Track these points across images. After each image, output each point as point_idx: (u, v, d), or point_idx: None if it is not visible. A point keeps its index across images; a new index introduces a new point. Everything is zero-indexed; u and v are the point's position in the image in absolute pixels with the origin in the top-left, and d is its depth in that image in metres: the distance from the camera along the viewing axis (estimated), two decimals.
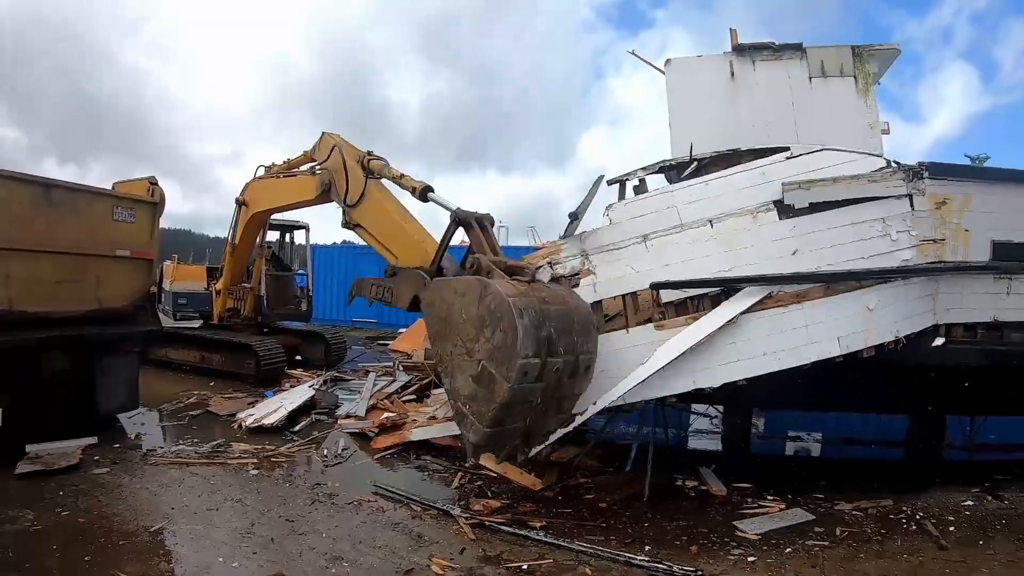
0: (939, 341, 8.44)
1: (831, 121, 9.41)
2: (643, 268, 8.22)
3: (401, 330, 19.67)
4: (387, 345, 18.19)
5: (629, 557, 6.52)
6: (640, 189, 9.14)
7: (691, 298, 8.19)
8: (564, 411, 7.70)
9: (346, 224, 9.74)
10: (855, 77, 9.67)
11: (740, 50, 9.83)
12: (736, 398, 10.49)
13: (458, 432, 7.62)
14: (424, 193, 8.60)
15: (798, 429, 12.82)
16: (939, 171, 8.27)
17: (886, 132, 12.41)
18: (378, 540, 6.70)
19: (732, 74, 9.78)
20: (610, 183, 9.44)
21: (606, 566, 6.40)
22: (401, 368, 13.74)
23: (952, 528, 8.02)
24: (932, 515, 8.41)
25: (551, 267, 8.47)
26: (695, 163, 9.28)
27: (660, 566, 6.34)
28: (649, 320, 8.19)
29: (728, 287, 8.10)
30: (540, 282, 7.60)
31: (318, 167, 10.81)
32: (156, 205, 10.58)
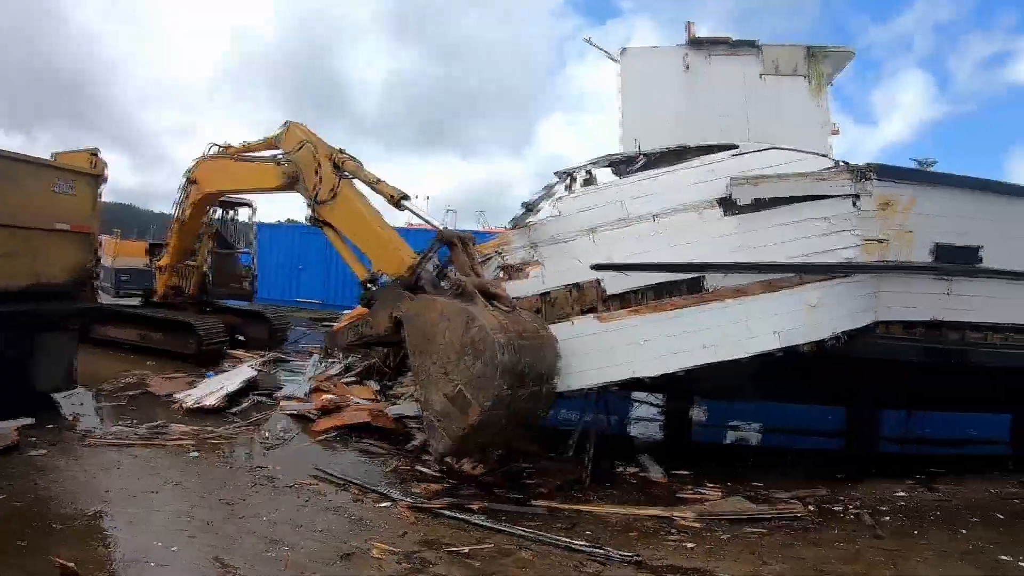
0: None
1: (782, 118, 9.60)
2: (589, 261, 8.38)
3: (345, 311, 19.47)
4: (331, 327, 17.90)
5: (569, 542, 6.60)
6: (589, 182, 9.19)
7: (633, 291, 8.33)
8: (527, 429, 8.26)
9: (314, 220, 9.62)
10: (808, 76, 9.87)
11: (696, 43, 10.00)
12: (677, 387, 10.73)
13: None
14: (400, 202, 8.65)
15: (740, 419, 13.17)
16: (886, 173, 8.48)
17: (836, 133, 12.67)
18: (318, 524, 6.66)
19: (686, 67, 9.94)
20: (558, 175, 9.46)
21: (546, 551, 6.45)
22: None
23: (887, 518, 8.25)
24: (868, 505, 8.64)
25: (501, 257, 8.50)
26: (644, 158, 9.35)
27: (599, 551, 6.44)
28: (592, 311, 8.28)
29: (671, 272, 8.28)
30: (518, 311, 7.77)
31: (284, 158, 10.39)
32: (98, 177, 10.21)
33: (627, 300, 8.38)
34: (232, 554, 5.76)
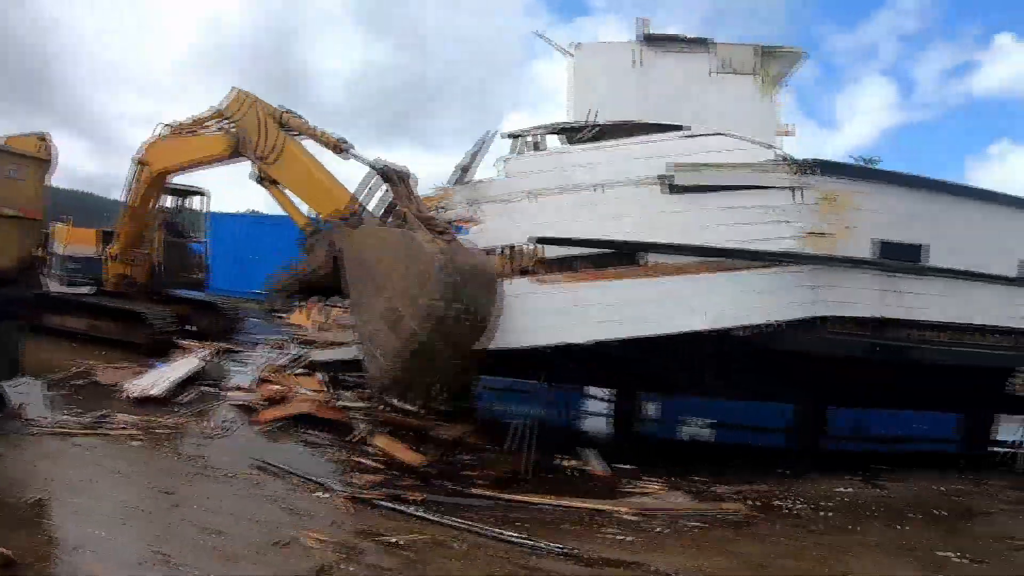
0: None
1: (730, 115, 9.91)
2: (528, 223, 8.69)
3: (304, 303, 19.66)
4: (284, 318, 18.09)
5: (500, 533, 6.82)
6: (537, 147, 9.48)
7: (571, 258, 8.70)
8: (466, 360, 8.24)
9: (259, 180, 10.07)
10: (758, 75, 10.28)
11: (648, 39, 10.34)
12: (627, 379, 11.02)
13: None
14: (339, 147, 9.11)
15: (693, 415, 13.48)
16: (829, 168, 8.81)
17: (790, 133, 13.04)
18: (255, 513, 6.89)
19: (638, 62, 10.27)
20: (506, 137, 9.75)
21: (479, 542, 6.68)
22: (295, 342, 13.79)
23: (829, 514, 8.50)
24: (810, 501, 8.88)
25: (440, 211, 8.75)
26: (594, 128, 9.67)
27: (529, 542, 6.66)
28: (526, 272, 8.65)
29: (609, 248, 8.62)
30: (456, 239, 8.14)
31: (229, 124, 10.81)
32: (45, 163, 10.31)
33: (564, 266, 8.70)
34: (168, 543, 5.95)
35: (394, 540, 6.49)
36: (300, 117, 9.90)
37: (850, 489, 9.52)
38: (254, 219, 22.92)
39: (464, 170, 9.35)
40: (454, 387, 8.66)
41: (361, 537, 6.57)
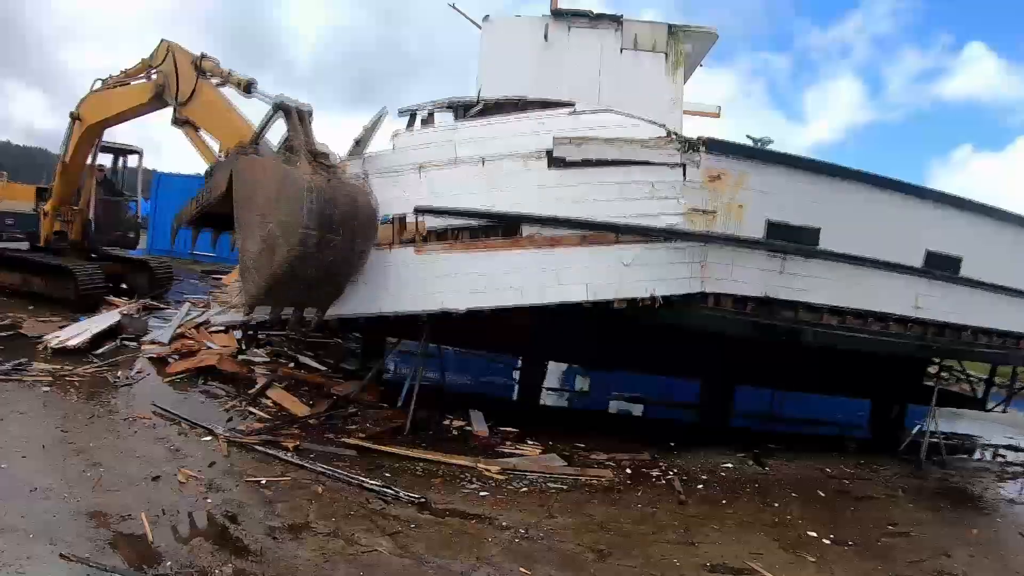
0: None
1: (636, 92, 10.62)
2: (414, 195, 9.64)
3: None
4: (220, 279, 19.39)
5: (362, 480, 7.96)
6: (426, 122, 10.57)
7: (452, 229, 9.62)
8: (338, 288, 9.38)
9: (175, 122, 11.52)
10: (666, 54, 10.97)
11: (557, 15, 11.08)
12: (528, 347, 12.16)
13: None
14: (248, 87, 10.35)
15: (618, 389, 14.65)
16: (716, 147, 9.45)
17: (717, 115, 14.06)
18: (140, 451, 8.09)
19: (546, 37, 11.04)
20: (401, 113, 10.85)
21: (339, 487, 7.80)
22: (215, 300, 15.08)
23: (700, 486, 9.42)
24: (687, 473, 9.80)
25: None
26: (481, 104, 10.70)
27: (388, 490, 7.77)
28: (411, 242, 9.62)
29: (486, 219, 9.55)
30: (340, 176, 9.18)
31: (154, 72, 12.30)
32: None
33: (445, 237, 9.59)
34: (53, 474, 7.09)
35: (259, 480, 7.64)
36: (215, 61, 11.19)
37: (732, 464, 10.42)
38: (198, 181, 23.95)
39: (358, 143, 10.33)
40: (324, 306, 9.67)
41: (229, 476, 7.70)
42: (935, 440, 12.23)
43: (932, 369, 14.00)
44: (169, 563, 5.61)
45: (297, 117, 9.44)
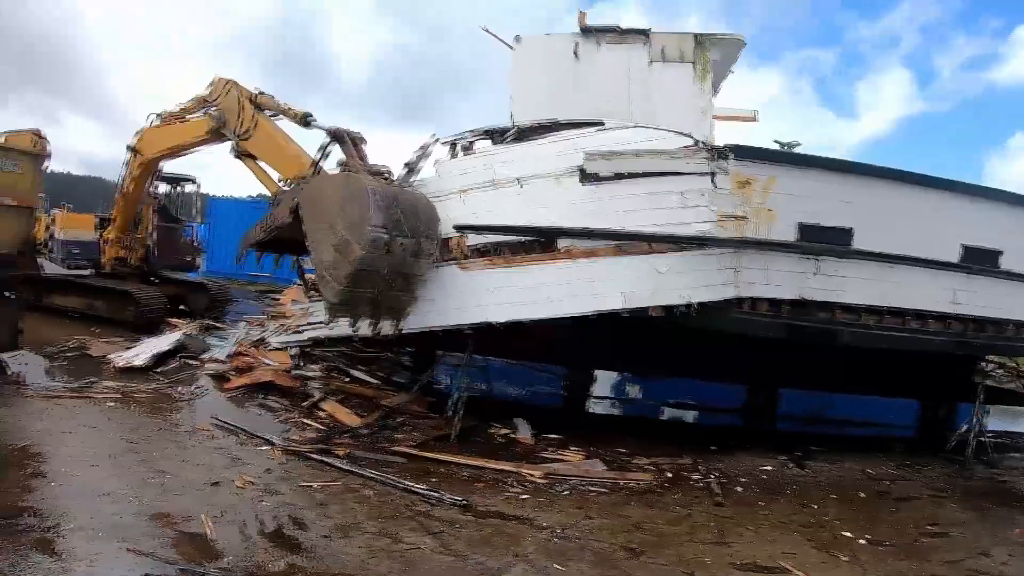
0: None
1: (665, 104, 10.81)
2: (457, 216, 10.20)
3: (294, 284, 21.60)
4: (275, 299, 20.16)
5: (409, 485, 8.36)
6: (467, 149, 11.06)
7: (494, 246, 10.14)
8: (410, 291, 9.95)
9: (236, 154, 12.24)
10: (694, 64, 11.06)
11: (586, 31, 11.33)
12: (576, 357, 12.43)
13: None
14: (306, 120, 11.17)
15: (670, 397, 14.71)
16: (744, 153, 9.62)
17: (753, 119, 14.21)
18: (201, 460, 8.65)
19: (576, 54, 11.34)
20: (443, 143, 11.36)
21: (387, 491, 8.23)
22: (272, 319, 15.75)
23: (739, 489, 9.55)
24: (726, 476, 9.92)
25: None
26: (517, 129, 11.05)
27: (433, 494, 8.17)
28: (455, 260, 10.19)
29: (522, 234, 10.02)
30: (398, 184, 9.99)
31: (211, 107, 13.05)
32: (40, 156, 12.34)
33: (487, 254, 10.12)
34: (122, 480, 7.68)
35: (312, 485, 8.11)
36: (271, 96, 12.00)
37: (772, 467, 10.49)
38: (251, 203, 24.90)
39: (410, 169, 10.85)
40: (399, 312, 10.16)
41: (285, 481, 8.22)
42: (982, 439, 12.06)
43: (985, 367, 13.71)
44: (228, 559, 6.05)
45: (351, 142, 10.23)
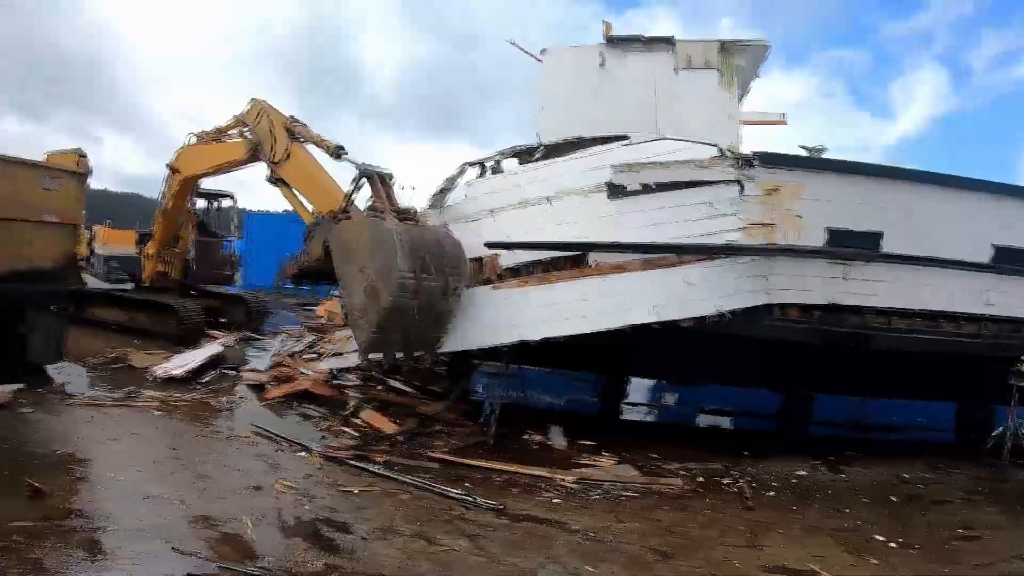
0: None
1: (692, 111, 11.04)
2: (489, 237, 10.39)
3: (332, 295, 21.99)
4: (313, 311, 20.53)
5: (444, 489, 8.53)
6: (495, 170, 11.22)
7: (525, 265, 10.33)
8: (440, 326, 10.18)
9: (271, 180, 12.60)
10: (720, 70, 11.33)
11: (611, 42, 11.63)
12: (609, 364, 12.47)
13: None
14: (338, 153, 11.46)
15: (704, 402, 14.67)
16: (770, 160, 9.67)
17: (783, 123, 14.24)
18: (241, 466, 8.87)
19: (603, 64, 11.61)
20: (471, 165, 11.55)
21: (423, 495, 8.40)
22: (308, 331, 16.06)
23: (771, 493, 9.57)
24: (758, 481, 9.95)
25: None
26: (543, 148, 11.26)
27: (468, 498, 8.32)
28: (488, 280, 10.37)
29: (553, 250, 10.17)
30: (425, 224, 10.19)
31: (247, 131, 13.39)
32: (82, 175, 12.71)
33: (519, 273, 10.30)
34: (165, 484, 7.89)
35: (349, 489, 8.30)
36: (304, 125, 12.25)
37: (805, 472, 10.47)
38: (286, 218, 25.36)
39: (442, 191, 11.20)
40: (431, 345, 10.41)
41: (322, 486, 8.37)
42: (1019, 442, 11.91)
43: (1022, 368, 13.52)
44: (268, 559, 6.22)
45: (380, 181, 10.50)
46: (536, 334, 10.06)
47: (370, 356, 10.21)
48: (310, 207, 11.94)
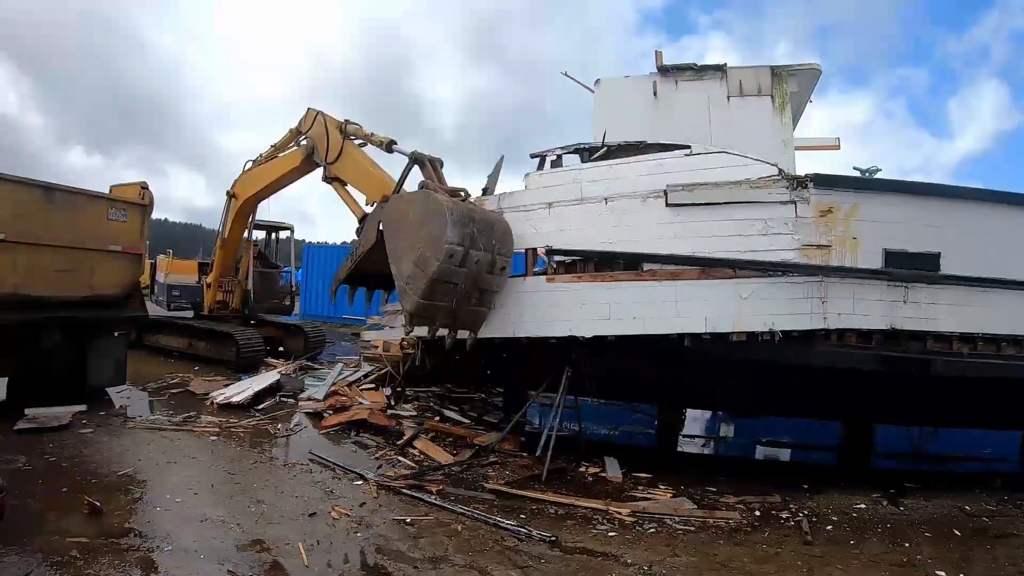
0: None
1: (746, 137, 10.72)
2: (544, 230, 10.31)
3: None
4: (369, 342, 20.44)
5: (498, 520, 8.31)
6: (556, 164, 11.11)
7: (579, 260, 10.26)
8: (484, 304, 10.08)
9: (326, 179, 12.72)
10: (772, 96, 11.11)
11: (664, 71, 11.49)
12: (666, 396, 12.16)
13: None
14: (390, 146, 11.65)
15: (761, 435, 14.26)
16: (824, 182, 9.46)
17: (836, 147, 13.91)
18: (297, 492, 8.80)
19: (655, 93, 11.47)
20: (532, 156, 11.46)
21: (477, 526, 8.19)
22: (364, 360, 15.97)
23: (830, 527, 9.13)
24: (816, 515, 9.56)
25: None
26: (606, 148, 11.10)
27: (522, 529, 8.09)
28: (543, 272, 10.35)
29: (611, 260, 10.02)
30: (474, 203, 10.19)
31: (302, 138, 13.69)
32: (146, 207, 12.89)
33: (573, 269, 10.27)
34: (221, 507, 7.91)
35: (404, 518, 8.15)
36: (358, 125, 12.57)
37: (864, 505, 10.03)
38: (344, 250, 25.59)
39: (485, 191, 11.20)
40: (476, 323, 10.28)
41: (377, 514, 8.25)
42: None
43: None
44: None
45: (430, 165, 10.61)
46: (587, 331, 9.93)
47: (415, 329, 10.05)
48: (363, 202, 12.03)
